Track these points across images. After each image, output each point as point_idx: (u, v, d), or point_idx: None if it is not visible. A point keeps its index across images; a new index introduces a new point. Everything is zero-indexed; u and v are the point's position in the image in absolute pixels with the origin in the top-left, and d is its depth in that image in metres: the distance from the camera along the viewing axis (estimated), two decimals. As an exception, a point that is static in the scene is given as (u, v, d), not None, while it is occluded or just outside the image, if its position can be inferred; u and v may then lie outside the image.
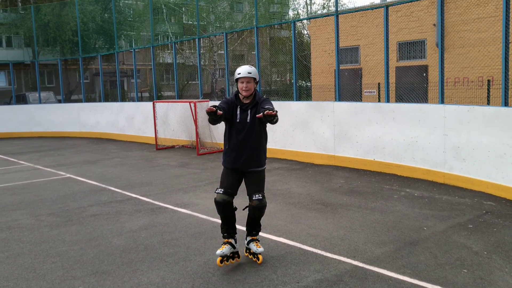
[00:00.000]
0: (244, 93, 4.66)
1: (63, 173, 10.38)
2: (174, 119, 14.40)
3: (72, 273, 4.73)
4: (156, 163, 11.51)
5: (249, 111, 4.67)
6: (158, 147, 14.18)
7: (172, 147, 14.39)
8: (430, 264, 4.66)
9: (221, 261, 4.71)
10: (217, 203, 4.70)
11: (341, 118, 9.84)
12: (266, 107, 4.33)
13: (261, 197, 4.65)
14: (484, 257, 4.83)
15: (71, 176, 10.04)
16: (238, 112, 4.70)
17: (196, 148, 12.99)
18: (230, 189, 4.70)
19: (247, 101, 4.73)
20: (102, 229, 6.14)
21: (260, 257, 4.83)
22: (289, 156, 11.06)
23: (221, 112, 4.33)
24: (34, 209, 7.26)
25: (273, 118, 4.23)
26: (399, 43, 15.61)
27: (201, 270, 4.70)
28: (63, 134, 18.70)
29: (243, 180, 4.81)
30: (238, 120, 4.68)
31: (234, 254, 4.82)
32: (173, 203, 7.34)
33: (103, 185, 8.90)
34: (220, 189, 4.72)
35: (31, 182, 9.53)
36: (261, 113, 4.25)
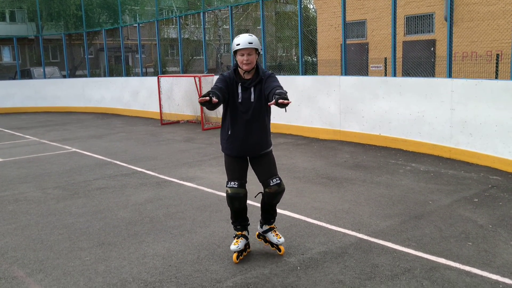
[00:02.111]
0: (245, 67, 3.98)
1: (69, 147, 10.41)
2: (179, 94, 14.35)
3: (78, 244, 4.78)
4: (161, 137, 11.51)
5: (252, 89, 4.04)
6: (163, 122, 14.17)
7: (177, 122, 14.37)
8: (435, 237, 4.67)
9: (237, 257, 4.24)
10: (231, 198, 4.13)
11: (347, 92, 9.76)
12: (278, 91, 3.68)
13: (279, 181, 4.13)
14: (489, 230, 4.82)
15: (77, 150, 10.07)
16: (240, 90, 4.05)
17: (201, 123, 12.98)
18: (243, 180, 4.19)
19: (249, 77, 4.06)
20: (108, 202, 6.18)
21: (282, 248, 4.37)
22: (294, 131, 11.02)
23: (216, 100, 3.64)
24: (40, 182, 7.30)
25: (286, 106, 3.58)
26: (406, 17, 15.36)
27: (207, 242, 4.73)
28: (68, 109, 18.71)
29: (250, 165, 4.28)
30: (240, 100, 4.04)
31: (246, 246, 4.37)
32: (178, 177, 7.36)
33: (109, 159, 8.93)
34: (232, 183, 4.14)
35: (37, 156, 9.57)
36: (273, 100, 3.59)
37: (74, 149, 10.17)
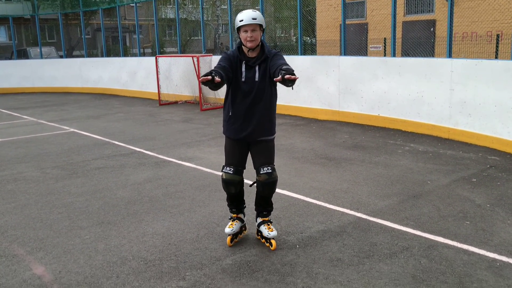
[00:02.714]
0: (249, 45, 3.77)
1: (67, 128, 10.38)
2: (177, 74, 14.27)
3: (78, 223, 4.79)
4: (160, 118, 11.48)
5: (257, 68, 3.83)
6: (161, 103, 14.11)
7: (175, 102, 14.32)
8: (433, 216, 4.69)
9: (232, 240, 4.14)
10: (227, 183, 3.97)
11: (346, 73, 9.71)
12: (285, 67, 3.50)
13: (270, 170, 3.89)
14: (487, 209, 4.85)
15: (75, 130, 10.04)
16: (244, 69, 3.85)
17: (199, 104, 12.93)
18: (240, 166, 4.00)
19: (253, 55, 3.86)
20: (106, 182, 6.18)
21: (274, 242, 4.08)
22: (293, 112, 10.99)
23: (219, 79, 3.43)
24: (39, 162, 7.29)
25: (293, 83, 3.39)
26: (406, -3, 15.21)
27: (206, 221, 4.75)
28: (65, 90, 18.61)
29: (249, 151, 4.06)
30: (243, 80, 3.84)
31: (242, 228, 4.26)
32: (177, 157, 7.35)
33: (107, 139, 8.91)
34: (228, 168, 3.97)
35: (35, 136, 9.55)
36: (280, 76, 3.37)
37: (72, 129, 10.14)
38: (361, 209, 4.95)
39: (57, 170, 6.80)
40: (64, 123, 11.02)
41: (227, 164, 4.00)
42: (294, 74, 3.36)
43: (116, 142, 8.63)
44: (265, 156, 3.94)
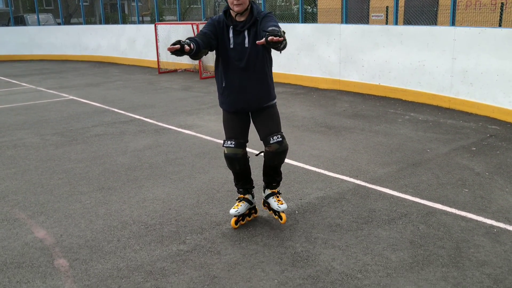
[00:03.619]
0: (236, 9, 3.35)
1: (66, 95, 10.33)
2: (177, 42, 14.08)
3: (78, 188, 4.81)
4: (159, 86, 11.41)
5: (246, 32, 3.43)
6: (161, 71, 14.01)
7: (175, 71, 14.21)
8: (431, 184, 4.71)
9: (236, 222, 3.86)
10: (229, 159, 3.65)
11: (348, 41, 9.60)
12: (270, 29, 3.03)
13: (280, 139, 3.57)
14: (485, 177, 4.87)
15: (74, 98, 9.99)
16: (231, 34, 3.45)
17: (199, 72, 12.83)
18: (241, 139, 3.66)
19: (242, 19, 3.44)
20: (106, 148, 6.18)
21: (284, 215, 3.88)
22: (293, 81, 10.92)
23: (189, 48, 3.03)
24: (38, 129, 7.28)
25: (279, 45, 2.98)
26: (410, -36, 14.90)
27: (206, 187, 4.77)
28: (64, 57, 18.44)
29: (252, 121, 3.75)
30: (232, 46, 3.44)
31: (251, 210, 3.98)
32: (177, 125, 7.34)
33: (106, 107, 8.88)
34: (229, 141, 3.64)
35: (34, 103, 9.50)
36: (263, 39, 2.94)
37: (71, 97, 10.09)
38: (360, 176, 4.97)
39: (57, 137, 6.80)
40: (63, 91, 10.95)
41: (227, 138, 3.67)
42: (280, 35, 2.91)
43: (116, 110, 8.60)
44: (271, 125, 3.62)
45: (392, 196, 4.45)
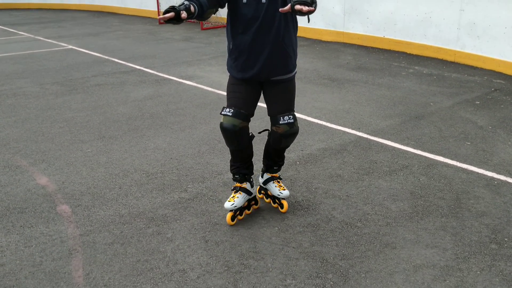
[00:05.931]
0: None
1: (65, 45, 10.17)
2: (177, -8, 13.76)
3: (79, 137, 4.80)
4: (160, 36, 11.22)
5: None
6: (161, 21, 13.71)
7: (176, 21, 13.92)
8: (434, 137, 4.69)
9: (233, 217, 3.16)
10: (224, 130, 2.94)
11: (353, -9, 9.34)
12: None
13: (292, 120, 3.00)
14: (488, 131, 4.84)
15: (73, 47, 9.84)
16: None
17: (200, 23, 12.58)
18: (243, 109, 2.94)
19: None
20: (107, 98, 6.13)
21: (285, 203, 3.32)
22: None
23: (186, 13, 2.47)
24: (38, 78, 7.21)
25: (308, 15, 2.46)
26: None
27: (207, 137, 4.75)
28: (62, 6, 18.06)
29: (262, 93, 3.11)
30: (245, 1, 2.78)
31: (250, 202, 3.30)
32: (178, 75, 7.25)
33: (106, 57, 8.75)
34: (228, 109, 2.95)
35: (33, 52, 9.37)
36: (288, 5, 2.48)
37: (70, 46, 9.93)
38: (362, 128, 4.94)
39: (57, 86, 6.73)
40: (62, 40, 10.78)
41: (227, 105, 2.99)
42: (309, 4, 2.43)
43: (116, 60, 8.49)
44: (283, 101, 3.03)
45: (394, 148, 4.44)
